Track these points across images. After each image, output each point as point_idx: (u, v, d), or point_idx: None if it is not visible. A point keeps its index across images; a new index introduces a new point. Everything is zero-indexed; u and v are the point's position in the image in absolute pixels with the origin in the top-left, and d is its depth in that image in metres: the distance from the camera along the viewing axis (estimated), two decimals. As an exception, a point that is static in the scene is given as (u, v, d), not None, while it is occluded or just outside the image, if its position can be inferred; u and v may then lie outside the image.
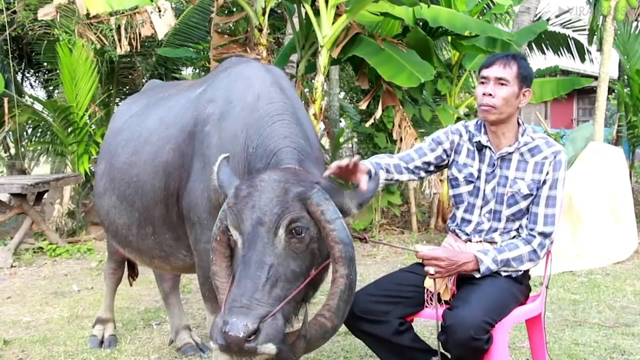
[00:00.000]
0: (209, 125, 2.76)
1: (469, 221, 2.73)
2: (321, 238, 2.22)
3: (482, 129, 2.73)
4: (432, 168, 2.84)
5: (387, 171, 2.72)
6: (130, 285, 4.23)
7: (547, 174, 2.61)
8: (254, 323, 2.00)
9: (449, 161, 2.81)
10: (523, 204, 2.63)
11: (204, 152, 2.72)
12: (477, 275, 2.57)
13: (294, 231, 2.17)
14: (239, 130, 2.66)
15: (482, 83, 2.63)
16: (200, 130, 2.78)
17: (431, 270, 2.49)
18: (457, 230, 2.76)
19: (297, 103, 2.79)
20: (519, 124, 2.68)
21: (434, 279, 2.57)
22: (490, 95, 2.58)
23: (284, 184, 2.23)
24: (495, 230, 2.67)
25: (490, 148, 2.69)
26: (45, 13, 6.05)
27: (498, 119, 2.62)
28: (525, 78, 2.61)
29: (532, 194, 2.62)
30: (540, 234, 2.61)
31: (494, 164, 2.68)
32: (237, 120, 2.69)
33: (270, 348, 2.02)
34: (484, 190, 2.70)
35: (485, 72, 2.63)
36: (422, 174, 2.84)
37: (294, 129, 2.59)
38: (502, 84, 2.58)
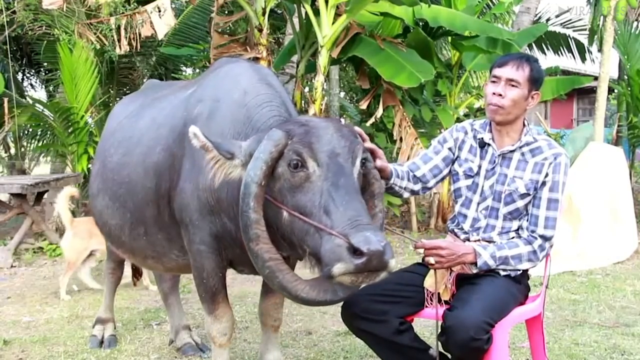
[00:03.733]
0: (198, 125, 2.75)
1: (466, 216, 2.74)
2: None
3: (487, 127, 2.74)
4: (445, 172, 2.82)
5: (401, 178, 2.73)
6: (135, 285, 4.22)
7: (547, 175, 2.61)
8: (384, 238, 2.05)
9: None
10: (520, 203, 2.63)
11: (193, 152, 2.71)
12: (474, 270, 2.58)
13: (364, 161, 2.34)
14: (226, 128, 2.66)
15: (493, 82, 2.63)
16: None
17: (431, 260, 2.50)
18: (455, 230, 2.77)
19: (286, 98, 2.79)
20: (524, 124, 2.69)
21: (434, 275, 2.58)
22: (500, 95, 2.59)
23: (332, 123, 2.36)
24: (493, 228, 2.67)
25: (492, 145, 2.70)
26: (52, 2, 6.00)
27: (505, 120, 2.63)
28: (536, 81, 2.61)
29: (529, 194, 2.62)
30: (541, 236, 2.61)
31: (494, 161, 2.69)
32: (224, 117, 2.69)
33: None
34: (482, 187, 2.70)
35: (497, 72, 2.62)
36: (432, 182, 2.82)
37: (284, 114, 2.61)
38: (512, 85, 2.58)
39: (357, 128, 2.49)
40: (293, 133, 2.26)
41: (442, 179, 2.88)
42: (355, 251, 1.99)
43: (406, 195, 2.82)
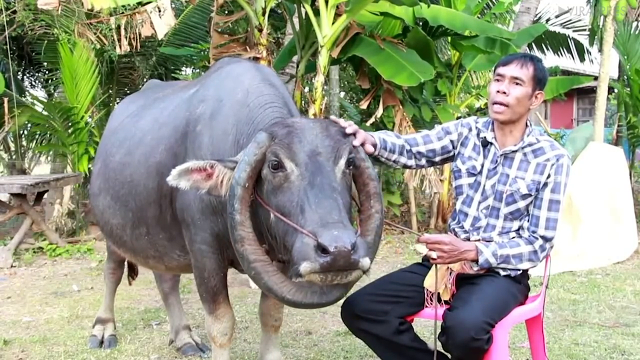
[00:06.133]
0: (200, 125, 2.76)
1: (467, 214, 2.74)
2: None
3: (490, 126, 2.74)
4: (437, 159, 2.83)
5: (391, 151, 2.72)
6: (130, 284, 4.23)
7: (549, 176, 2.61)
8: (354, 236, 2.01)
9: (454, 153, 2.81)
10: (521, 204, 2.63)
11: (195, 152, 2.71)
12: (475, 268, 2.58)
13: (350, 161, 2.30)
14: (229, 127, 2.66)
15: (497, 80, 2.63)
16: (192, 130, 2.78)
17: (433, 254, 2.51)
18: (456, 228, 2.77)
19: (288, 98, 2.79)
20: (526, 125, 2.69)
21: (435, 274, 2.58)
22: (504, 93, 2.59)
23: (319, 123, 2.33)
24: (494, 228, 2.67)
25: (494, 145, 2.70)
26: (47, 2, 5.98)
27: (509, 120, 2.63)
28: (540, 81, 2.61)
29: (530, 195, 2.62)
30: (542, 237, 2.61)
31: (496, 161, 2.69)
32: (227, 117, 2.70)
33: (367, 262, 2.04)
34: (484, 186, 2.70)
35: (501, 70, 2.63)
36: (423, 161, 2.82)
37: (286, 115, 2.61)
38: (517, 84, 2.58)
39: (343, 121, 2.47)
40: (276, 134, 2.27)
41: (433, 164, 2.90)
42: (322, 250, 1.98)
43: (396, 167, 2.83)
